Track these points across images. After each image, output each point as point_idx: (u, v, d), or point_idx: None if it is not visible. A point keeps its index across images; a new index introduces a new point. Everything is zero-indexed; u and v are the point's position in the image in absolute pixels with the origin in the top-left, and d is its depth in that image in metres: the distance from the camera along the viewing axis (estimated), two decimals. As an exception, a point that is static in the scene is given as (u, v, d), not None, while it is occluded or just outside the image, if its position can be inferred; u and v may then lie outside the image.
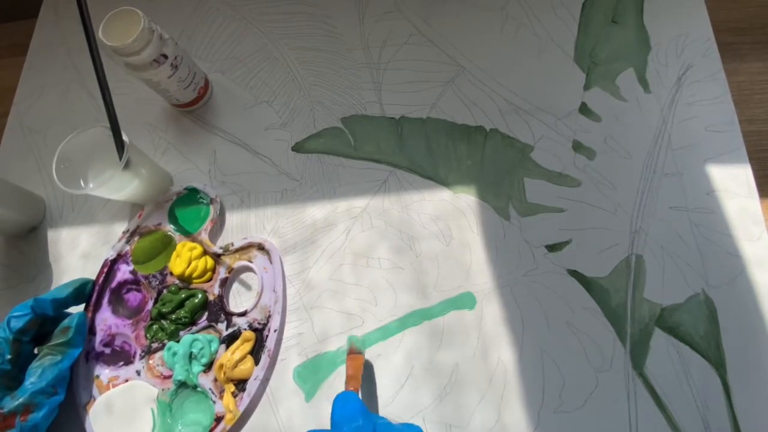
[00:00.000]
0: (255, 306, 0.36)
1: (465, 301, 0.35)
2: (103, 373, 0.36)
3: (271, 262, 0.37)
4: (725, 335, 0.32)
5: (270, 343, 0.34)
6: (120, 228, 0.41)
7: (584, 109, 0.40)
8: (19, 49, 0.51)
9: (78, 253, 0.41)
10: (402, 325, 0.35)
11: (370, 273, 0.37)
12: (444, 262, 0.37)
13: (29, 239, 0.42)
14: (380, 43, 0.44)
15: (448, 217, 0.38)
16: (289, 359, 0.35)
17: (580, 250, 0.36)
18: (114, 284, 0.38)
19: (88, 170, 0.37)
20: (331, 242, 0.38)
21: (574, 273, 0.35)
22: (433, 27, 0.44)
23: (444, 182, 0.39)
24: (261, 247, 0.37)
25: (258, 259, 0.37)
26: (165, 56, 0.37)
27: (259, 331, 0.35)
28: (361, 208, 0.39)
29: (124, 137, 0.34)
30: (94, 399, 0.35)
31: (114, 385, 0.36)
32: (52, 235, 0.42)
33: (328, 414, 0.33)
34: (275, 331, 0.35)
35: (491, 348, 0.34)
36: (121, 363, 0.37)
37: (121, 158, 0.34)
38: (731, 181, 0.36)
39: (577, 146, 0.39)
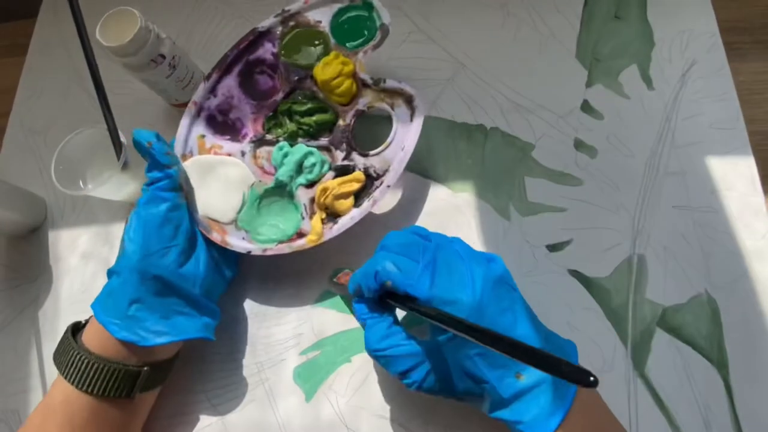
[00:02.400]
0: (378, 154, 0.35)
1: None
2: (209, 136, 0.36)
3: (411, 120, 0.35)
4: (728, 336, 0.32)
5: (378, 195, 0.33)
6: (120, 228, 0.41)
7: (586, 107, 0.39)
8: (18, 49, 0.51)
9: (79, 253, 0.41)
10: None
11: (369, 273, 0.37)
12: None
13: (30, 240, 0.42)
14: (380, 41, 0.44)
15: (447, 216, 0.37)
16: (289, 359, 0.35)
17: (582, 250, 0.35)
18: (252, 57, 0.37)
19: (87, 171, 0.37)
20: (331, 242, 0.38)
21: (575, 273, 0.35)
22: (433, 24, 0.44)
23: (444, 181, 0.39)
24: (409, 101, 0.35)
25: (401, 110, 0.35)
26: (163, 56, 0.37)
27: (371, 179, 0.34)
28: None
29: (122, 138, 0.34)
30: (191, 154, 0.36)
31: (216, 153, 0.36)
32: (53, 235, 0.42)
33: (328, 413, 0.33)
34: (388, 186, 0.33)
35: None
36: (228, 137, 0.36)
37: (119, 158, 0.34)
38: (736, 179, 0.35)
39: (579, 144, 0.38)
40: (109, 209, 0.42)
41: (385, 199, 0.38)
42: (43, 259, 0.41)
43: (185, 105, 0.43)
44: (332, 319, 0.36)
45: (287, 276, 0.38)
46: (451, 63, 0.42)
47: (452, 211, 0.38)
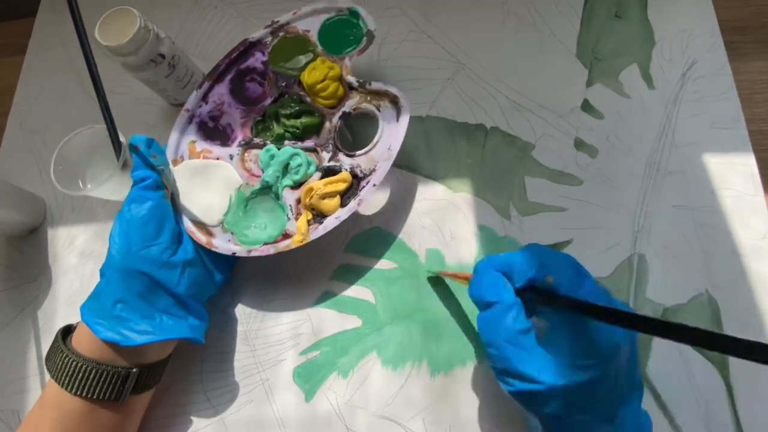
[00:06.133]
0: (364, 154, 0.35)
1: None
2: (199, 141, 0.37)
3: (397, 121, 0.35)
4: (728, 336, 0.32)
5: (364, 195, 0.34)
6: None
7: (586, 106, 0.39)
8: (17, 48, 0.51)
9: (78, 253, 0.41)
10: (402, 325, 0.35)
11: (369, 273, 0.37)
12: (443, 261, 0.36)
13: (30, 240, 0.42)
14: (379, 40, 0.44)
15: (447, 216, 0.37)
16: (289, 359, 0.35)
17: (582, 250, 0.35)
18: (243, 66, 0.39)
19: (87, 171, 0.37)
20: (331, 242, 0.38)
21: (575, 273, 0.35)
22: (432, 23, 0.44)
23: (443, 180, 0.39)
24: (394, 101, 0.36)
25: (386, 111, 0.36)
26: (162, 56, 0.37)
27: (358, 179, 0.35)
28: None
29: (122, 138, 0.34)
30: (183, 159, 0.37)
31: (205, 157, 0.37)
32: (52, 235, 0.42)
33: (328, 413, 0.33)
34: (374, 186, 0.34)
35: (491, 348, 0.34)
36: (218, 142, 0.38)
37: (118, 158, 0.34)
38: (736, 178, 0.35)
39: (579, 144, 0.38)
40: (108, 209, 0.42)
41: (380, 200, 0.38)
42: (43, 259, 0.41)
43: (185, 104, 0.43)
44: (331, 319, 0.36)
45: (287, 276, 0.37)
46: (451, 62, 0.42)
47: (452, 210, 0.38)
